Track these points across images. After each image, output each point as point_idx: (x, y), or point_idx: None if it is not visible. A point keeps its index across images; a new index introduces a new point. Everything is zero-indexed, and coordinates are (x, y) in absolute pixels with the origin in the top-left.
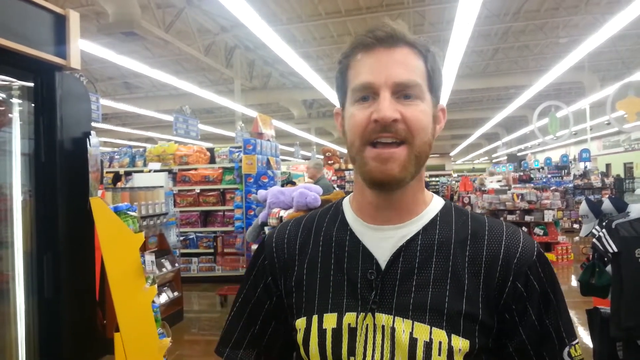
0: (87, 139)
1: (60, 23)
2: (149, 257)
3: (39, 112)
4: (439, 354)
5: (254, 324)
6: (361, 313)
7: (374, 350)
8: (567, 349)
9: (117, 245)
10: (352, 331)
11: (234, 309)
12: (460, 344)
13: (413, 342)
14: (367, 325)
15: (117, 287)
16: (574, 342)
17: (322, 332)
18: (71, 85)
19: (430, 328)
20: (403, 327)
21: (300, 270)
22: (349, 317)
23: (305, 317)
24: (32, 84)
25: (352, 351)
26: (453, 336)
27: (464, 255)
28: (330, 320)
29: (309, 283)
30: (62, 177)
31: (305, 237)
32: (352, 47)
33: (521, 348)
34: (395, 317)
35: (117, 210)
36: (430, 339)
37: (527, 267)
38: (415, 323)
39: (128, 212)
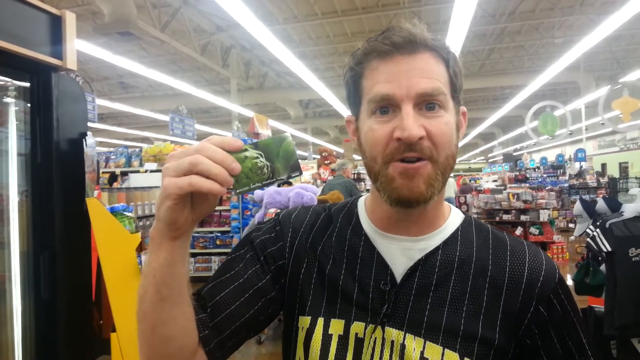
0: (84, 140)
1: (56, 24)
2: (146, 258)
3: (35, 112)
4: None
5: (242, 295)
6: (370, 325)
7: None
8: None
9: (114, 246)
10: (359, 341)
11: (223, 272)
12: None
13: None
14: (375, 338)
15: (113, 288)
16: None
17: (327, 337)
18: (67, 85)
19: (443, 349)
20: (414, 345)
21: (310, 264)
22: (357, 327)
23: (310, 317)
24: (28, 84)
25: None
26: (466, 359)
27: (485, 276)
28: (337, 327)
29: (317, 281)
30: (58, 178)
31: (321, 229)
32: (366, 54)
33: None
34: (407, 334)
35: (113, 211)
36: None
37: (550, 291)
38: (428, 342)
39: (124, 212)
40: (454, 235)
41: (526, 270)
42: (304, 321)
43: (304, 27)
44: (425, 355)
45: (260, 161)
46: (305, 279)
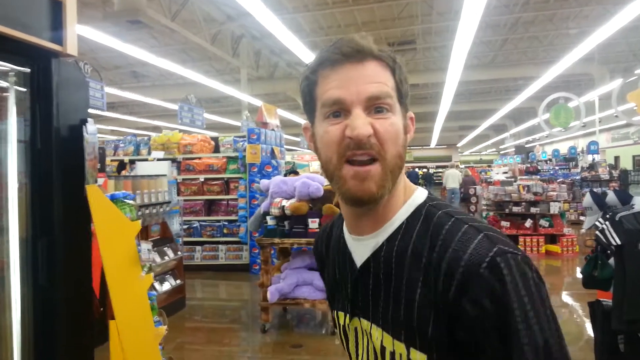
0: (84, 126)
1: (56, 9)
2: (145, 246)
3: (35, 98)
4: None
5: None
6: (353, 317)
7: (363, 350)
8: None
9: (113, 233)
10: (352, 330)
11: None
12: (418, 357)
13: (383, 350)
14: (356, 327)
15: (112, 275)
16: None
17: (344, 328)
18: (68, 71)
19: (393, 340)
20: (377, 334)
21: (329, 267)
22: (347, 318)
23: (335, 310)
24: (28, 70)
25: (354, 347)
26: (411, 349)
27: (418, 265)
28: (342, 318)
29: (332, 283)
30: (58, 164)
31: (328, 236)
32: (319, 63)
33: None
34: (372, 324)
35: (113, 198)
36: (394, 350)
37: (474, 276)
38: (384, 333)
39: (125, 200)
40: (397, 231)
41: (450, 250)
42: (334, 314)
43: (314, 16)
44: (383, 344)
45: None
46: (328, 281)
